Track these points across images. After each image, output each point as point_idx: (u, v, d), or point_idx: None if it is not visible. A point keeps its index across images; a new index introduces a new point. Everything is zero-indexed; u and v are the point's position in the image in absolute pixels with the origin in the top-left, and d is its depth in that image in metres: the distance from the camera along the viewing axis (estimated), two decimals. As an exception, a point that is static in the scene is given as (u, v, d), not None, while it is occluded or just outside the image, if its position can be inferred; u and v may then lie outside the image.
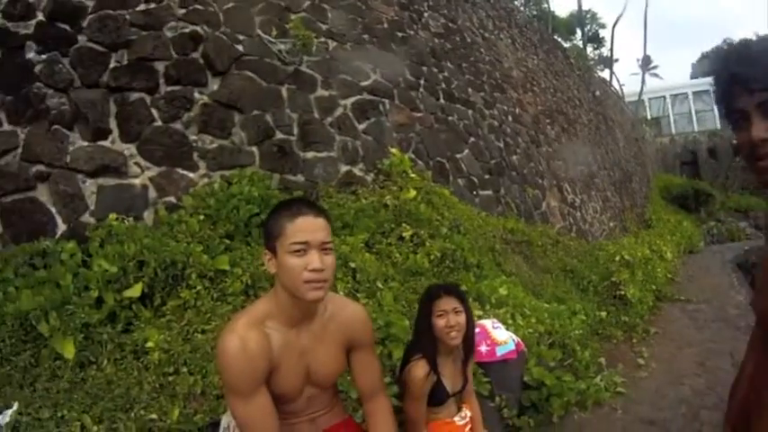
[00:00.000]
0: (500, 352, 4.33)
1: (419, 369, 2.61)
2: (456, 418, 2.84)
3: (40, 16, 5.39)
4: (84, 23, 5.54)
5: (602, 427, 4.64)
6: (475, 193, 8.74)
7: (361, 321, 2.20)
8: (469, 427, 2.89)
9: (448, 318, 2.65)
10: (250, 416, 1.91)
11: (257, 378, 1.90)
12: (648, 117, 37.76)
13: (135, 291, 4.13)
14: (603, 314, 7.46)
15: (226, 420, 2.58)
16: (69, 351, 3.62)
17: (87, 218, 4.85)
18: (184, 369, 3.73)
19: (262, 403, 1.92)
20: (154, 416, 3.34)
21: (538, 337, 5.17)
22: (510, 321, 5.12)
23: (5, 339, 3.61)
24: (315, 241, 1.89)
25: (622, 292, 8.22)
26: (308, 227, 1.89)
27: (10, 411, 3.16)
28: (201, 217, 4.98)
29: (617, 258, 9.38)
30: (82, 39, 5.48)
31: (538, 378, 4.60)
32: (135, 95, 5.50)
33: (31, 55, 5.22)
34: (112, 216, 4.80)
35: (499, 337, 4.41)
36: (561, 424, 4.58)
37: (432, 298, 2.73)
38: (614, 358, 6.23)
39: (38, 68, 5.17)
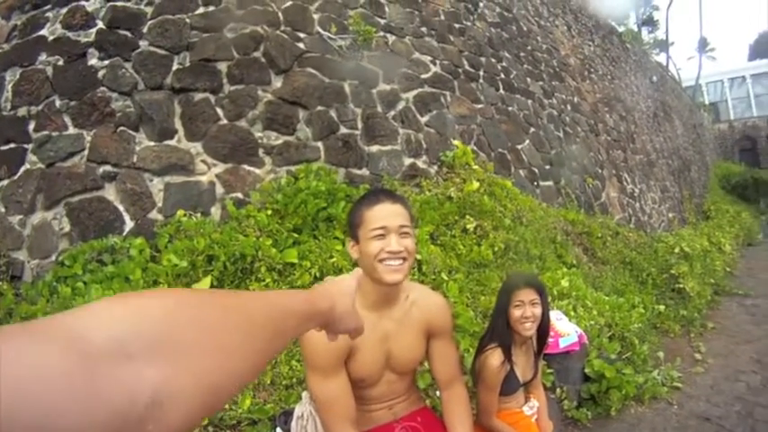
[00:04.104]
0: (563, 344, 4.39)
1: (494, 358, 2.62)
2: (525, 408, 2.84)
3: (101, 24, 5.50)
4: (145, 29, 5.63)
5: (657, 422, 4.59)
6: (536, 183, 8.65)
7: (442, 309, 2.25)
8: (536, 417, 2.87)
9: (524, 309, 2.64)
10: (329, 394, 1.99)
11: (337, 357, 1.98)
12: (706, 102, 36.47)
13: (204, 284, 4.11)
14: (662, 308, 7.40)
15: (299, 410, 2.51)
16: (139, 344, 3.55)
17: (155, 215, 4.88)
18: (254, 360, 3.65)
19: (341, 383, 2.00)
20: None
21: (599, 330, 5.20)
22: (572, 313, 5.18)
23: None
24: (393, 226, 1.97)
25: (681, 286, 8.17)
26: (386, 213, 1.98)
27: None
28: (269, 211, 4.98)
29: (676, 250, 9.27)
30: (143, 44, 5.55)
31: (598, 370, 4.60)
32: (199, 96, 5.52)
33: (93, 61, 5.33)
34: (181, 212, 4.81)
35: (563, 328, 4.48)
36: (618, 417, 4.60)
37: (510, 288, 2.72)
38: (672, 352, 6.17)
39: (101, 74, 5.27)
